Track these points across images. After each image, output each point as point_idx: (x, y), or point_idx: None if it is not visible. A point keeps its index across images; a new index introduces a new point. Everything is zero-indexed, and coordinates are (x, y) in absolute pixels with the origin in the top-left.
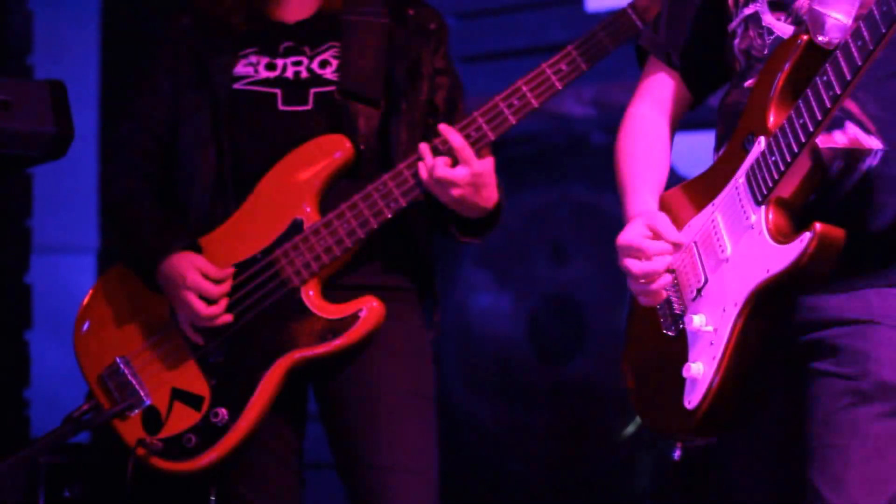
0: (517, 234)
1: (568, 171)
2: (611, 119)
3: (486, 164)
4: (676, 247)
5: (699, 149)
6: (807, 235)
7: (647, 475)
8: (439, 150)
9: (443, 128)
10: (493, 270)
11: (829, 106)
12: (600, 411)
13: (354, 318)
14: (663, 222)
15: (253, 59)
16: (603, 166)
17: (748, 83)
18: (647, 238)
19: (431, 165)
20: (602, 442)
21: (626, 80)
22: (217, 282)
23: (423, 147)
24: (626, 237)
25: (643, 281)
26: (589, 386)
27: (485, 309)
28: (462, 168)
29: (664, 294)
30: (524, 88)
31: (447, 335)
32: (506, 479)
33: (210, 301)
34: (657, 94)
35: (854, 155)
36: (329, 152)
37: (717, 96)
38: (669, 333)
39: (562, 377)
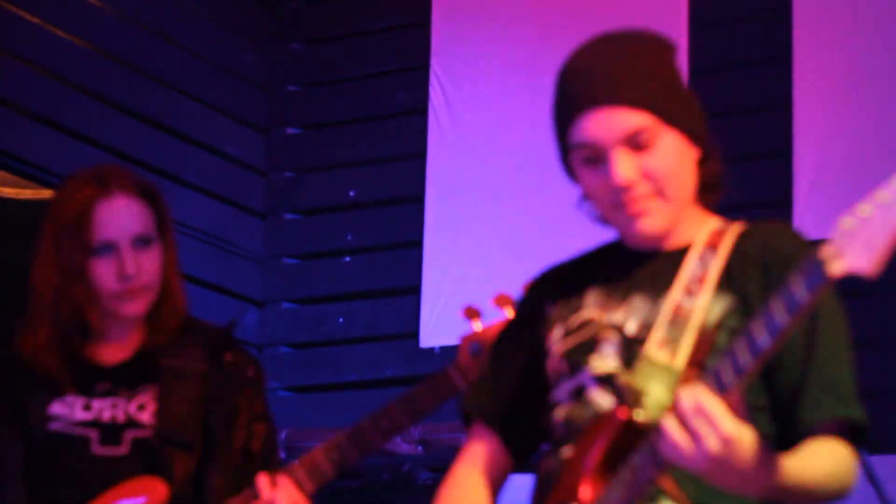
0: None
1: None
2: (437, 458)
3: None
4: None
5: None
6: None
7: None
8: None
9: (261, 482)
10: None
11: (642, 487)
12: None
13: None
14: None
15: (69, 399)
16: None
17: (566, 452)
18: None
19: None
20: None
21: (453, 420)
22: None
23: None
24: None
25: None
26: None
27: None
28: None
29: None
30: (345, 443)
31: None
32: None
33: None
34: (479, 456)
35: None
36: (142, 496)
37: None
38: None
39: None
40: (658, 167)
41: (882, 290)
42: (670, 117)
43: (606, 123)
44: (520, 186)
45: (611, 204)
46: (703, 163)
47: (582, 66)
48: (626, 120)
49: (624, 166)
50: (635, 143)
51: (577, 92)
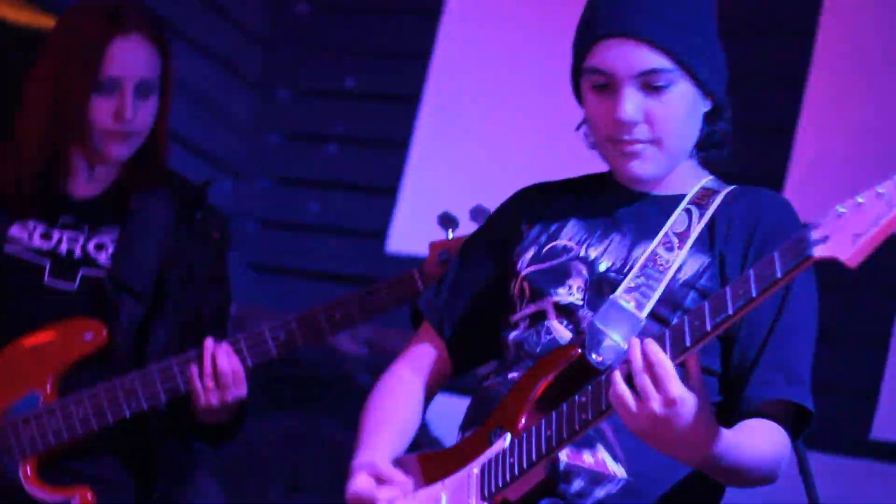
0: (259, 455)
1: (325, 405)
2: (381, 363)
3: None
4: (405, 488)
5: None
6: None
7: None
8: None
9: (206, 344)
10: (227, 485)
11: (577, 429)
12: None
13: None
14: (387, 468)
15: (30, 224)
16: (362, 408)
17: (512, 375)
18: (374, 486)
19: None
20: None
21: (405, 329)
22: None
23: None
24: (353, 489)
25: None
26: None
27: None
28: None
29: None
30: (294, 325)
31: None
32: None
33: None
34: (421, 358)
35: (596, 478)
36: (83, 336)
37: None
38: None
39: None
40: (664, 114)
41: (840, 285)
42: (690, 65)
43: (625, 56)
44: (519, 106)
45: (607, 136)
46: (711, 118)
47: None
48: (645, 58)
49: (631, 104)
50: (648, 83)
51: (604, 16)
